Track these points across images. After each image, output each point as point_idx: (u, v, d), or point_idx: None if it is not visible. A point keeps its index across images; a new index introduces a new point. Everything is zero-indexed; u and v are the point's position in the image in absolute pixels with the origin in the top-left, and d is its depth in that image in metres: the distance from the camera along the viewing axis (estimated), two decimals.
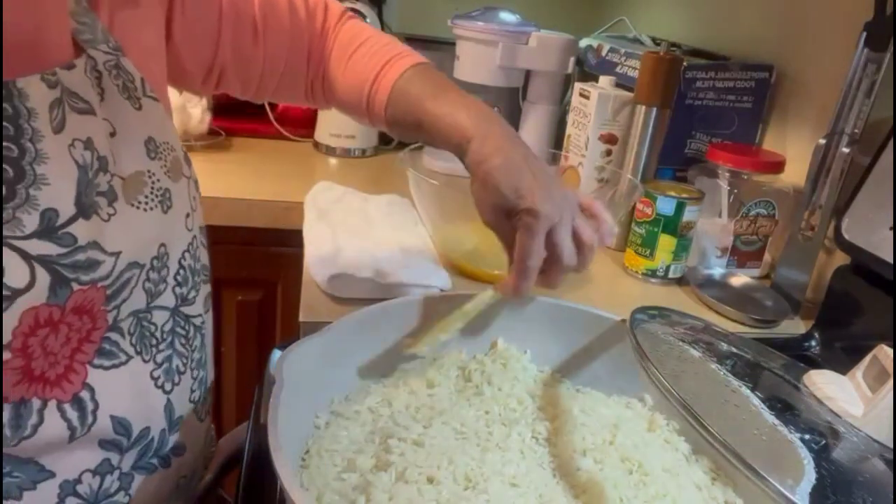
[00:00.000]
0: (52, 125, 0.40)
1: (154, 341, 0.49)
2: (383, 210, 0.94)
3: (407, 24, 1.55)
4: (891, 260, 0.69)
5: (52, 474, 0.44)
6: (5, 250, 0.38)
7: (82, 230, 0.41)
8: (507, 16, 1.19)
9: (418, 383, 0.56)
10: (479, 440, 0.50)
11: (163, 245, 0.48)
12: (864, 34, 0.75)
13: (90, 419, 0.45)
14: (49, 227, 0.40)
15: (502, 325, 0.61)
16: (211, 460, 0.65)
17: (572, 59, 1.21)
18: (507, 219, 0.53)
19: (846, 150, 0.78)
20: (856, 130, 0.78)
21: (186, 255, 0.50)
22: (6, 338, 0.39)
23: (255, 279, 1.11)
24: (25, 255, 0.39)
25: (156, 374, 0.49)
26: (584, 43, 1.26)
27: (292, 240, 0.94)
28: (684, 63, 0.95)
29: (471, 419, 0.52)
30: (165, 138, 0.49)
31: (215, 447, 0.67)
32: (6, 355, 0.39)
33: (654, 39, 1.23)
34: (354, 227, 0.88)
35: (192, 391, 0.54)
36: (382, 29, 1.27)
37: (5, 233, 0.38)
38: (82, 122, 0.42)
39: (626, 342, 0.48)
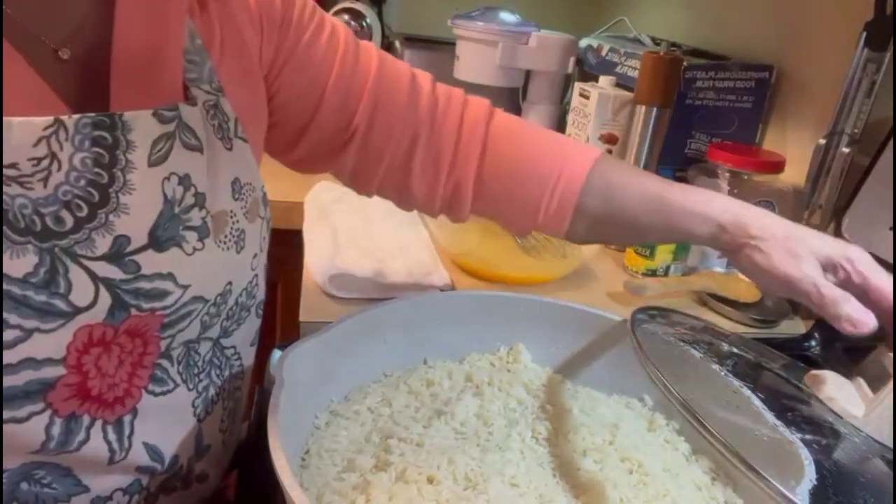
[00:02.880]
0: (151, 158, 0.42)
1: (196, 370, 0.49)
2: (383, 210, 0.94)
3: (407, 24, 1.55)
4: (891, 260, 0.69)
5: (86, 489, 0.45)
6: (76, 268, 0.40)
7: (149, 260, 0.42)
8: (507, 16, 1.19)
9: (418, 383, 0.56)
10: (479, 440, 0.50)
11: (229, 283, 0.48)
12: (864, 34, 0.75)
13: (126, 444, 0.45)
14: (118, 253, 0.41)
15: (502, 325, 0.61)
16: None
17: (572, 59, 1.21)
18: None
19: (846, 150, 0.78)
20: (856, 130, 0.78)
21: (244, 292, 0.51)
22: (61, 353, 0.40)
23: None
24: (93, 276, 0.40)
25: (196, 402, 0.50)
26: (584, 43, 1.26)
27: (292, 240, 0.94)
28: (684, 63, 0.95)
29: (471, 419, 0.52)
30: (249, 179, 0.50)
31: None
32: (61, 370, 0.40)
33: (654, 39, 1.23)
34: (354, 227, 0.88)
35: (223, 421, 0.54)
36: (382, 29, 1.27)
37: (79, 252, 0.40)
38: (186, 158, 0.44)
39: (627, 342, 0.48)
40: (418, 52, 1.30)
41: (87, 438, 0.43)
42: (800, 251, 0.49)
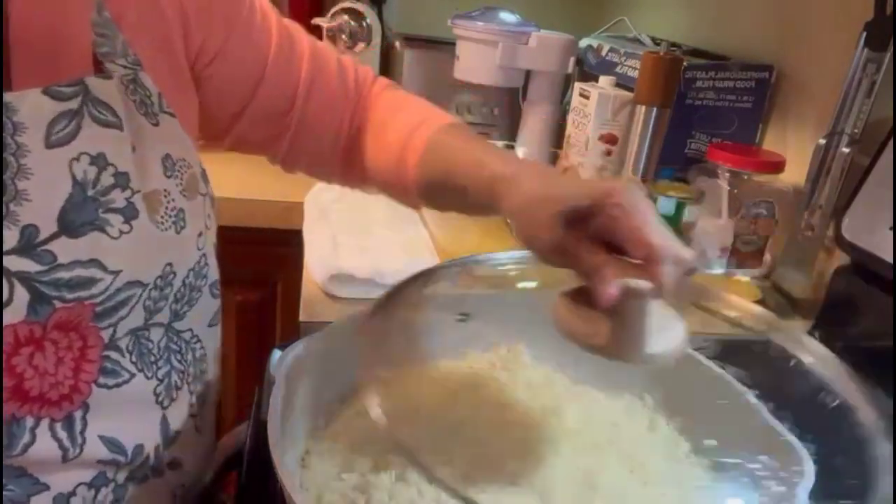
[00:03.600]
0: (50, 139, 0.40)
1: (153, 358, 0.48)
2: (383, 210, 0.94)
3: (407, 24, 1.55)
4: (891, 260, 0.69)
5: (46, 487, 0.43)
6: None
7: (65, 248, 0.40)
8: (507, 16, 1.19)
9: (416, 383, 0.56)
10: (479, 440, 0.49)
11: (169, 265, 0.46)
12: (864, 34, 0.75)
13: (80, 439, 0.44)
14: (28, 244, 0.39)
15: (501, 324, 0.61)
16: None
17: (572, 59, 1.21)
18: (578, 232, 0.42)
19: (846, 150, 0.78)
20: (856, 130, 0.78)
21: (191, 273, 0.49)
22: None
23: (255, 279, 1.11)
24: (5, 272, 0.38)
25: (158, 390, 0.48)
26: (584, 43, 1.26)
27: (292, 240, 0.94)
28: (684, 63, 0.95)
29: (470, 419, 0.52)
30: (182, 155, 0.48)
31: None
32: None
33: (654, 39, 1.23)
34: (354, 227, 0.88)
35: (191, 405, 0.53)
36: (382, 29, 1.27)
37: None
38: (100, 136, 0.42)
39: None
40: (418, 52, 1.30)
41: (33, 440, 0.41)
42: (541, 214, 0.42)
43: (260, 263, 1.08)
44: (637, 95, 0.95)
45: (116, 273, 0.42)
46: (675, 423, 0.56)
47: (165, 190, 0.46)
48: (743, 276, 0.89)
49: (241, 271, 1.09)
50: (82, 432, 0.44)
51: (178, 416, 0.51)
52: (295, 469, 0.45)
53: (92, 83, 0.41)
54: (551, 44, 1.18)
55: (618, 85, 1.03)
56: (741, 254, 0.92)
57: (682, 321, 0.42)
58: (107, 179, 0.42)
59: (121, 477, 0.47)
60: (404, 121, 0.59)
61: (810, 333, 0.80)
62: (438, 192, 0.57)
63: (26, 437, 0.41)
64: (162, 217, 0.45)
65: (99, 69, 0.43)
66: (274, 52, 0.56)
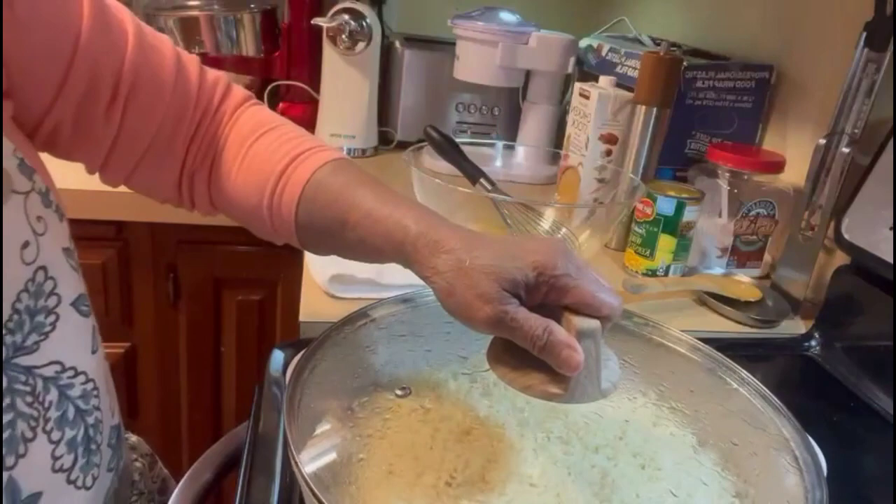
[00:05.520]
0: None
1: None
2: None
3: (407, 24, 1.55)
4: (891, 260, 0.69)
5: None
6: None
7: None
8: (507, 16, 1.19)
9: (423, 387, 0.56)
10: (492, 441, 0.49)
11: None
12: (864, 34, 0.75)
13: None
14: None
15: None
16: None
17: (572, 59, 1.21)
18: (512, 307, 0.41)
19: (846, 150, 0.78)
20: (856, 130, 0.78)
21: (24, 295, 0.39)
22: None
23: (255, 279, 1.11)
24: None
25: None
26: (584, 43, 1.26)
27: None
28: (684, 63, 0.96)
29: (481, 421, 0.52)
30: None
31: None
32: None
33: (654, 39, 1.23)
34: None
35: (56, 458, 0.42)
36: (382, 29, 1.27)
37: None
38: None
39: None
40: (418, 52, 1.30)
41: None
42: (483, 287, 0.41)
43: (260, 263, 1.08)
44: (637, 95, 0.95)
45: None
46: (678, 417, 0.56)
47: None
48: (743, 276, 0.89)
49: (241, 271, 1.09)
50: None
51: (33, 474, 0.41)
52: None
53: None
54: (551, 44, 1.18)
55: (618, 85, 1.03)
56: (741, 254, 0.92)
57: (610, 350, 0.45)
58: None
59: None
60: (281, 148, 0.52)
61: (810, 333, 0.80)
62: (323, 237, 0.52)
63: None
64: None
65: None
66: (87, 20, 0.45)
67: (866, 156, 0.77)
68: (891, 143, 0.74)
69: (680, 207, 0.85)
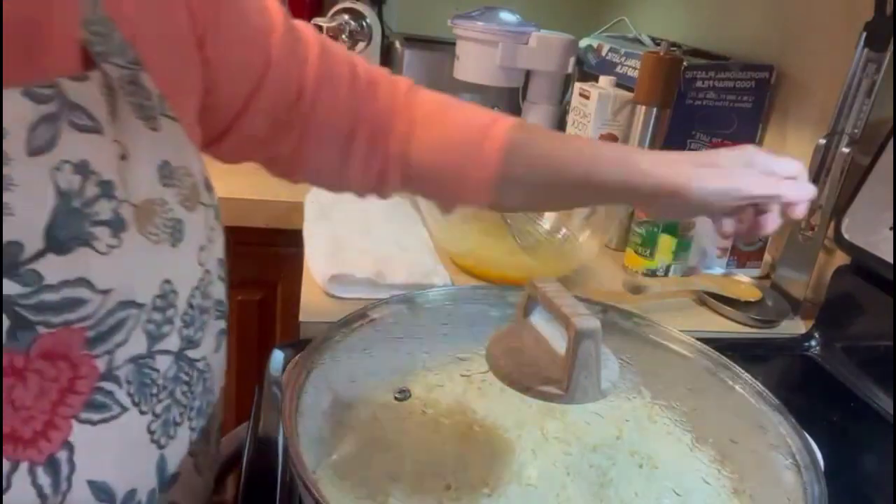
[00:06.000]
0: (32, 145, 0.36)
1: (154, 390, 0.43)
2: (383, 210, 0.94)
3: (407, 24, 1.55)
4: (891, 260, 0.69)
5: None
6: None
7: (52, 266, 0.36)
8: (507, 16, 1.19)
9: (422, 389, 0.56)
10: (491, 442, 0.50)
11: (168, 282, 0.42)
12: (864, 34, 0.75)
13: (64, 486, 0.39)
14: (12, 263, 0.35)
15: (500, 324, 0.61)
16: None
17: (572, 59, 1.21)
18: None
19: (846, 150, 0.78)
20: (856, 130, 0.78)
21: (196, 292, 0.45)
22: None
23: (255, 279, 1.11)
24: None
25: (153, 427, 0.43)
26: (584, 43, 1.26)
27: (292, 240, 0.94)
28: (684, 63, 0.95)
29: (480, 422, 0.52)
30: (183, 162, 0.44)
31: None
32: None
33: (654, 39, 1.23)
34: (354, 226, 0.88)
35: (192, 444, 0.48)
36: (382, 29, 1.27)
37: None
38: (81, 142, 0.37)
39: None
40: (418, 52, 1.30)
41: (8, 486, 0.37)
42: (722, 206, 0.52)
43: (260, 263, 1.08)
44: (637, 95, 0.95)
45: (106, 292, 0.38)
46: (677, 416, 0.56)
47: (161, 199, 0.42)
48: (743, 276, 0.89)
49: (241, 271, 1.09)
50: (69, 477, 0.39)
51: (176, 455, 0.46)
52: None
53: (66, 85, 0.37)
54: (551, 44, 1.18)
55: (618, 85, 1.03)
56: (741, 254, 0.92)
57: (609, 349, 0.45)
58: (91, 189, 0.38)
59: None
60: (468, 119, 0.58)
61: (810, 333, 0.80)
62: (529, 188, 0.57)
63: (2, 483, 0.37)
64: (155, 228, 0.41)
65: (92, 68, 0.39)
66: (279, 34, 0.53)
67: (866, 156, 0.77)
68: (891, 143, 0.74)
69: None
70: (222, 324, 0.50)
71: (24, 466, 0.37)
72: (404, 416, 0.52)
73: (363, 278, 0.74)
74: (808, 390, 0.75)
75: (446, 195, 0.60)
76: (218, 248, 0.49)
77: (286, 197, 1.01)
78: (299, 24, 0.56)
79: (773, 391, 0.50)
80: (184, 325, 0.44)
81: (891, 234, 0.70)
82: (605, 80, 1.05)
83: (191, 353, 0.46)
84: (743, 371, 0.52)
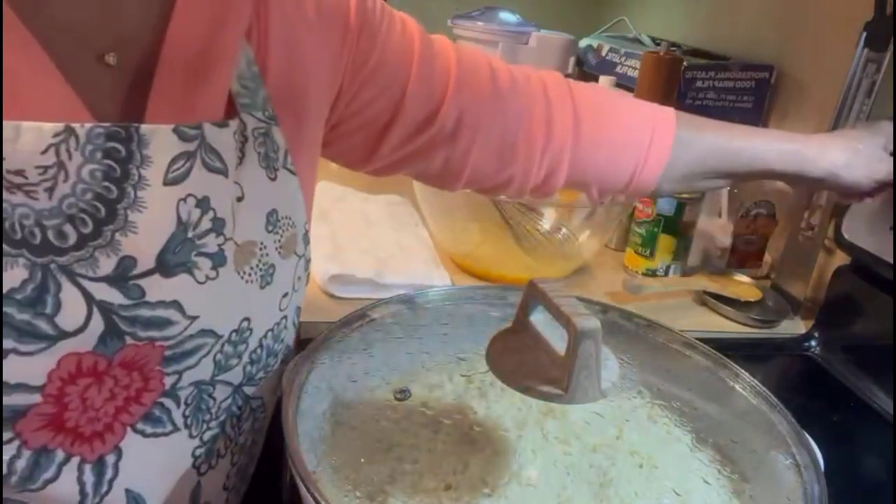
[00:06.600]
0: (168, 176, 0.39)
1: (207, 417, 0.45)
2: (383, 210, 0.94)
3: None
4: (891, 260, 0.69)
5: None
6: (71, 288, 0.37)
7: (155, 286, 0.39)
8: (507, 16, 1.19)
9: (422, 389, 0.56)
10: (491, 442, 0.49)
11: (247, 319, 0.45)
12: (864, 34, 0.75)
13: (105, 488, 0.41)
14: (122, 276, 0.38)
15: (500, 324, 0.61)
16: None
17: (572, 59, 1.21)
18: None
19: None
20: None
21: (269, 334, 0.47)
22: (40, 380, 0.37)
23: None
24: (88, 297, 0.37)
25: (198, 452, 0.45)
26: (584, 43, 1.26)
27: None
28: (684, 63, 0.96)
29: (480, 422, 0.52)
30: (289, 213, 0.47)
31: None
32: (36, 398, 0.37)
33: (654, 39, 1.23)
34: (354, 227, 0.88)
35: (228, 478, 0.49)
36: None
37: (78, 270, 0.37)
38: (207, 180, 0.41)
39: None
40: None
41: (57, 476, 0.39)
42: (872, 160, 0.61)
43: None
44: (637, 95, 0.95)
45: (193, 318, 0.41)
46: (677, 416, 0.56)
47: (262, 243, 0.45)
48: (743, 276, 0.89)
49: None
50: (112, 480, 0.41)
51: (213, 486, 0.48)
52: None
53: (208, 129, 0.41)
54: (551, 44, 1.18)
55: (618, 85, 1.03)
56: (741, 254, 0.92)
57: (609, 349, 0.45)
58: (206, 224, 0.41)
59: None
60: (631, 113, 0.60)
61: (810, 333, 0.80)
62: (696, 177, 0.61)
63: (51, 472, 0.39)
64: (250, 269, 0.44)
65: (231, 116, 0.43)
66: (417, 56, 0.54)
67: None
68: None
69: (680, 207, 0.85)
70: (283, 368, 0.51)
71: (75, 461, 0.39)
72: (404, 416, 0.52)
73: (363, 278, 0.74)
74: (808, 390, 0.75)
75: (608, 189, 0.62)
76: (299, 297, 0.51)
77: None
78: (436, 38, 0.58)
79: (773, 391, 0.50)
80: (250, 361, 0.46)
81: (891, 234, 0.70)
82: (605, 80, 1.05)
83: (248, 390, 0.48)
84: (743, 371, 0.52)
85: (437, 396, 0.55)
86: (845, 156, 0.60)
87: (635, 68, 1.05)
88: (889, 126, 0.62)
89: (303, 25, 0.47)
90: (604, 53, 1.19)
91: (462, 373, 0.58)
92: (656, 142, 0.58)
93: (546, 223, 0.87)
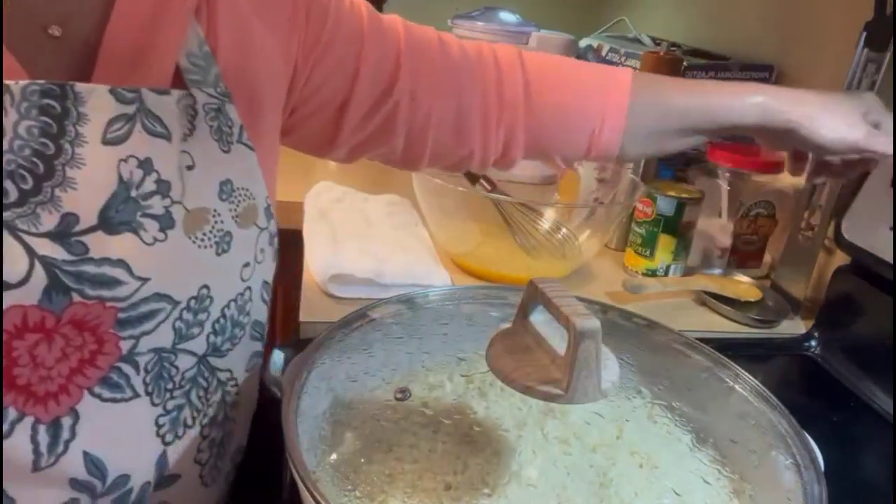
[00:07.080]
0: (107, 135, 0.40)
1: (170, 385, 0.45)
2: (383, 210, 0.94)
3: None
4: (891, 260, 0.69)
5: (12, 501, 0.41)
6: (12, 242, 0.38)
7: (99, 243, 0.40)
8: (507, 16, 1.19)
9: (422, 389, 0.56)
10: (491, 442, 0.49)
11: (206, 287, 0.45)
12: (864, 34, 0.75)
13: (60, 448, 0.41)
14: (64, 232, 0.39)
15: (500, 324, 0.61)
16: None
17: None
18: None
19: None
20: None
21: (232, 304, 0.48)
22: None
23: None
24: (30, 252, 0.38)
25: (161, 420, 0.46)
26: (584, 43, 1.26)
27: (292, 240, 0.94)
28: (684, 63, 0.96)
29: (479, 422, 0.52)
30: (246, 185, 0.48)
31: None
32: None
33: (654, 39, 1.23)
34: (354, 227, 0.88)
35: (200, 451, 0.49)
36: None
37: (20, 226, 0.38)
38: (149, 143, 0.42)
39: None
40: None
41: (10, 433, 0.39)
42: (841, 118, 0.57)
43: None
44: None
45: (143, 280, 0.42)
46: (676, 416, 0.56)
47: (215, 210, 0.46)
48: (743, 276, 0.89)
49: None
50: (68, 442, 0.41)
51: (181, 457, 0.48)
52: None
53: (147, 94, 0.42)
54: (551, 44, 1.18)
55: None
56: (741, 254, 0.92)
57: (609, 349, 0.45)
58: (149, 185, 0.42)
59: None
60: (584, 78, 0.59)
61: (810, 333, 0.80)
62: (658, 136, 0.60)
63: (4, 427, 0.39)
64: (203, 234, 0.45)
65: (181, 88, 0.44)
66: (366, 32, 0.55)
67: None
68: None
69: (680, 207, 0.85)
70: (258, 346, 0.52)
71: (28, 420, 0.40)
72: (404, 416, 0.52)
73: (363, 278, 0.74)
74: (808, 390, 0.75)
75: (569, 156, 0.62)
76: (265, 271, 0.52)
77: (286, 197, 1.01)
78: (386, 16, 0.58)
79: (773, 391, 0.50)
80: (213, 332, 0.47)
81: (891, 234, 0.70)
82: None
83: (214, 361, 0.48)
84: (743, 371, 0.52)
85: (437, 396, 0.55)
86: (817, 111, 0.57)
87: (635, 68, 1.05)
88: (872, 97, 0.59)
89: (249, 9, 0.49)
90: (604, 53, 1.19)
91: (462, 373, 0.58)
92: (611, 105, 0.58)
93: (546, 223, 0.87)
